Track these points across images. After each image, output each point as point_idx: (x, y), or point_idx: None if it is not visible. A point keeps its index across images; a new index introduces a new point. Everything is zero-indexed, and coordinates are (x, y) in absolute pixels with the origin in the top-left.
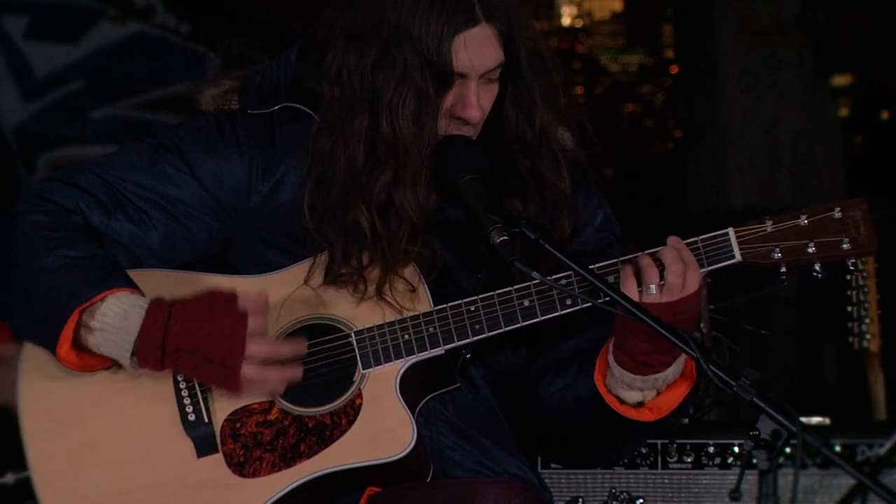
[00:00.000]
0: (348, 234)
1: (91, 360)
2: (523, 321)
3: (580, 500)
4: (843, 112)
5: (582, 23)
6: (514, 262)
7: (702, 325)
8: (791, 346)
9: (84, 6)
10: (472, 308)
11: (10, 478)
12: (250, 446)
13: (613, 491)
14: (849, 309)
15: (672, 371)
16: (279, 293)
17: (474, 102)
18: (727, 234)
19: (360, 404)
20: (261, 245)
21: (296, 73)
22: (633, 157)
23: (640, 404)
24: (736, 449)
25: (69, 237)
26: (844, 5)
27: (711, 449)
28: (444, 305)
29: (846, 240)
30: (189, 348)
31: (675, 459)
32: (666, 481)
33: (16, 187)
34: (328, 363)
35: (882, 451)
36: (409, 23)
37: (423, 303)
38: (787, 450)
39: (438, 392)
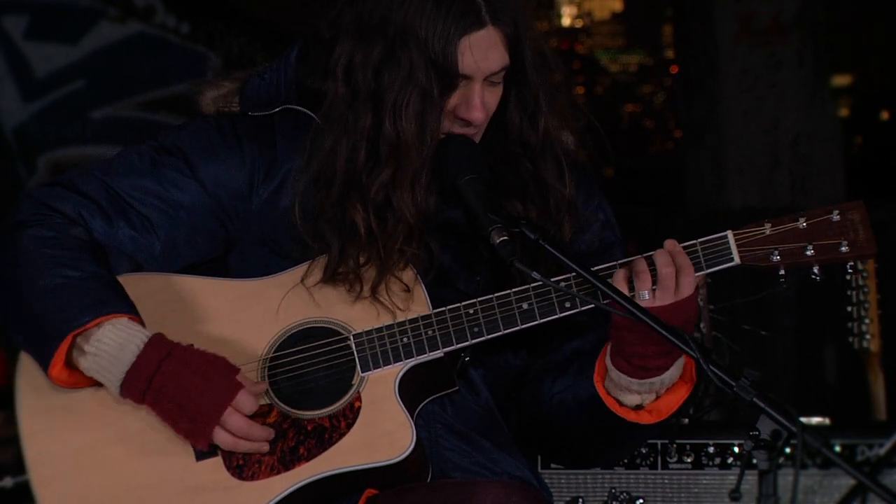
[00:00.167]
0: (345, 233)
1: (81, 379)
2: (522, 324)
3: (580, 500)
4: (843, 112)
5: (582, 23)
6: (514, 262)
7: (702, 326)
8: (791, 346)
9: (84, 6)
10: (471, 311)
11: (8, 481)
12: None
13: (613, 491)
14: (849, 309)
15: (670, 375)
16: (278, 295)
17: (478, 104)
18: (726, 236)
19: (359, 407)
20: (262, 248)
21: (296, 73)
22: (633, 157)
23: (638, 407)
24: (736, 449)
25: (70, 256)
26: (844, 5)
27: (711, 449)
28: (443, 308)
29: (845, 243)
30: (171, 392)
31: (675, 459)
32: (666, 481)
33: (16, 187)
34: (327, 366)
35: (882, 451)
36: (415, 23)
37: (421, 304)
38: (787, 450)
39: (437, 395)
